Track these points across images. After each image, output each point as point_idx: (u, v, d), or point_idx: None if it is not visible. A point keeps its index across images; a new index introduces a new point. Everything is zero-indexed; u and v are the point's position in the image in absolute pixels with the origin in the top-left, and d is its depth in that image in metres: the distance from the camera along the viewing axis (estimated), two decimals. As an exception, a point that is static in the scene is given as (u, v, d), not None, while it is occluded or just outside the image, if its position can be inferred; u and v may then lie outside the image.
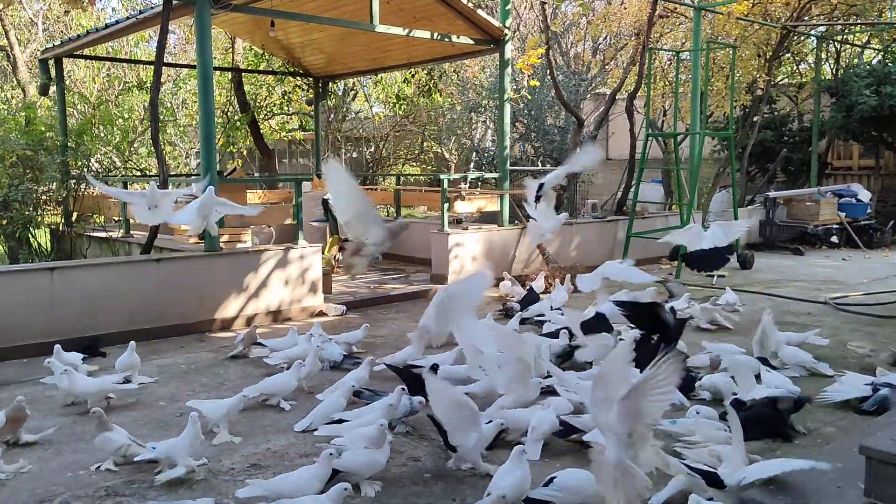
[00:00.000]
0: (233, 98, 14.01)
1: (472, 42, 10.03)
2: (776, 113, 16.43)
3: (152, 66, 8.26)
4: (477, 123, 18.96)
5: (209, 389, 5.40)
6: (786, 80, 17.43)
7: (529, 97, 15.52)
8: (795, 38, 14.84)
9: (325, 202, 10.61)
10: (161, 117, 16.38)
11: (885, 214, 14.63)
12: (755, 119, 14.60)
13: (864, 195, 14.14)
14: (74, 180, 10.13)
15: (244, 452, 4.22)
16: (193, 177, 13.38)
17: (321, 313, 8.02)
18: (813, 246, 13.44)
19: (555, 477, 3.48)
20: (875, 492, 3.16)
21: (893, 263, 11.48)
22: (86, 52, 11.54)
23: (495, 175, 10.94)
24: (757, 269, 10.95)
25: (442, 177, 9.92)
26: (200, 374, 5.79)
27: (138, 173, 14.01)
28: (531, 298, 7.87)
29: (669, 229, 11.29)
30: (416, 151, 19.74)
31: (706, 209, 13.64)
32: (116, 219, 10.05)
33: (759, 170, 16.14)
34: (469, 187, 13.30)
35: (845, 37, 16.14)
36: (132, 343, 5.51)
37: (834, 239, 13.50)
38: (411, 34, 9.45)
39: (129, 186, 10.12)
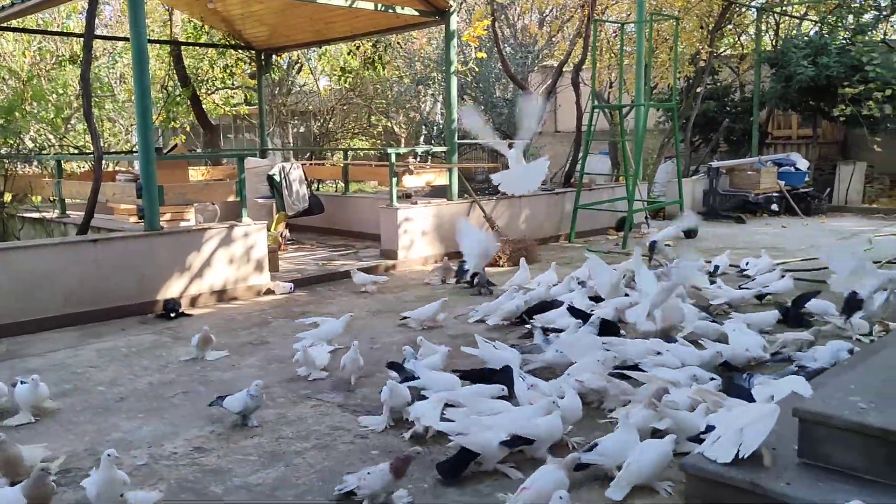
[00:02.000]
0: (172, 72, 13.55)
1: (416, 13, 9.89)
2: (719, 84, 16.70)
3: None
4: (425, 97, 18.79)
5: (151, 372, 5.27)
6: (728, 51, 17.71)
7: (477, 69, 15.44)
8: (736, 9, 15.07)
9: (270, 178, 10.41)
10: (97, 92, 15.83)
11: (822, 182, 15.07)
12: (698, 90, 14.82)
13: (803, 164, 14.53)
14: (6, 159, 9.70)
15: (187, 436, 4.14)
16: (134, 153, 12.97)
17: (268, 291, 7.89)
18: (754, 214, 13.78)
19: (597, 443, 3.54)
20: (807, 452, 3.26)
21: (830, 230, 11.85)
22: (13, 23, 10.99)
23: (444, 148, 10.88)
24: (701, 237, 11.18)
25: (390, 150, 9.82)
26: (142, 357, 5.65)
27: (75, 150, 13.52)
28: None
29: (616, 200, 11.47)
30: (364, 125, 19.49)
31: (652, 180, 13.86)
32: (52, 199, 9.69)
33: (702, 140, 16.43)
34: (420, 161, 13.21)
35: (784, 8, 16.44)
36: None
37: (774, 207, 13.86)
38: (354, 5, 9.26)
39: (63, 164, 9.72)
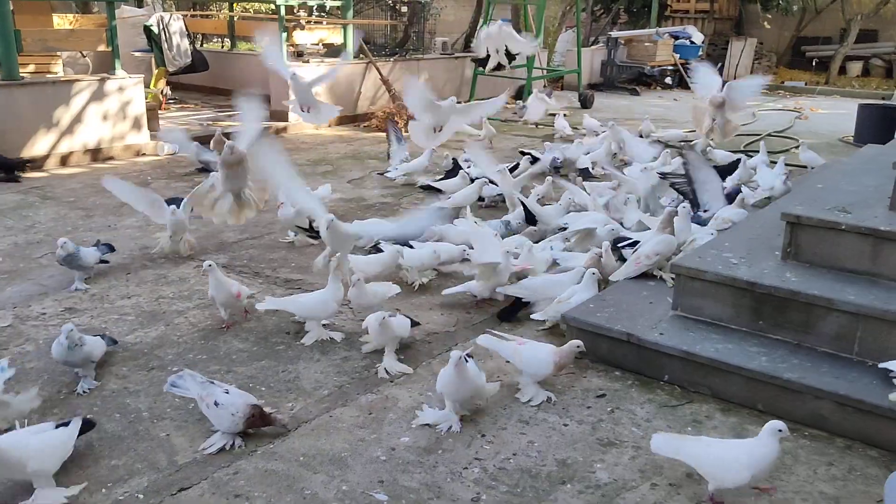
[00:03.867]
0: None
1: None
2: (623, -49, 16.34)
3: None
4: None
5: (16, 232, 4.90)
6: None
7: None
8: None
9: (147, 29, 9.53)
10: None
11: (715, 57, 15.33)
12: (603, -45, 14.49)
13: (698, 37, 14.68)
14: None
15: (57, 297, 3.90)
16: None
17: (148, 153, 7.40)
18: (649, 87, 13.97)
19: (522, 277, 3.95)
20: (681, 304, 3.43)
21: (718, 104, 12.18)
22: None
23: (339, 3, 10.23)
24: (596, 108, 11.26)
25: (279, 2, 9.13)
26: (5, 217, 5.22)
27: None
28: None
29: (516, 67, 11.25)
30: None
31: (552, 49, 13.68)
32: None
33: (603, 10, 16.25)
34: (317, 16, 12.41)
35: None
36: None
37: (668, 80, 14.08)
38: None
39: None
